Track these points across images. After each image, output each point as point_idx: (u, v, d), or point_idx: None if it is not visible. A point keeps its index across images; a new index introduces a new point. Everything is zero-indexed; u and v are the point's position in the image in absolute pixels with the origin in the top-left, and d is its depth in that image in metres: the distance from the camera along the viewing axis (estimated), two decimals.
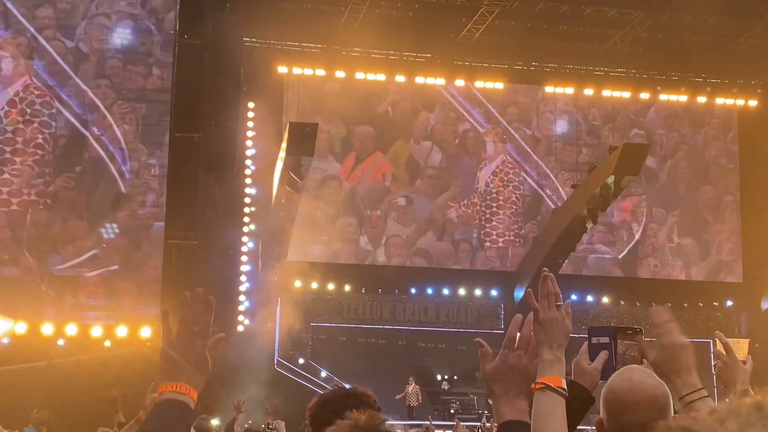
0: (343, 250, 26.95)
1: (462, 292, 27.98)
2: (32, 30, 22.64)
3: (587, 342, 2.97)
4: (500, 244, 28.02)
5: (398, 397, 23.89)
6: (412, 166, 27.76)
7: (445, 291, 27.86)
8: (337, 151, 27.32)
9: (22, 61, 22.53)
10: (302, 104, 26.89)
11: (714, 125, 29.48)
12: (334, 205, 26.99)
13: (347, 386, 3.32)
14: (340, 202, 27.04)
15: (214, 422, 15.06)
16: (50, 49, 22.69)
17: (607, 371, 2.91)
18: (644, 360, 2.96)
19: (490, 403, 2.69)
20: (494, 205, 28.07)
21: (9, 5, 22.61)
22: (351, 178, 27.29)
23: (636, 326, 3.03)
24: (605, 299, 28.54)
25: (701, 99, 29.80)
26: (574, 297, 28.05)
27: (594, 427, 2.77)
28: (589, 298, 28.48)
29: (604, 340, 2.96)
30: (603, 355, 2.93)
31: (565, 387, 2.62)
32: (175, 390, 2.23)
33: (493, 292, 28.11)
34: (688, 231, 28.77)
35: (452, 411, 25.11)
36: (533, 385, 2.64)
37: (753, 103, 29.99)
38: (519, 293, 27.28)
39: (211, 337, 2.27)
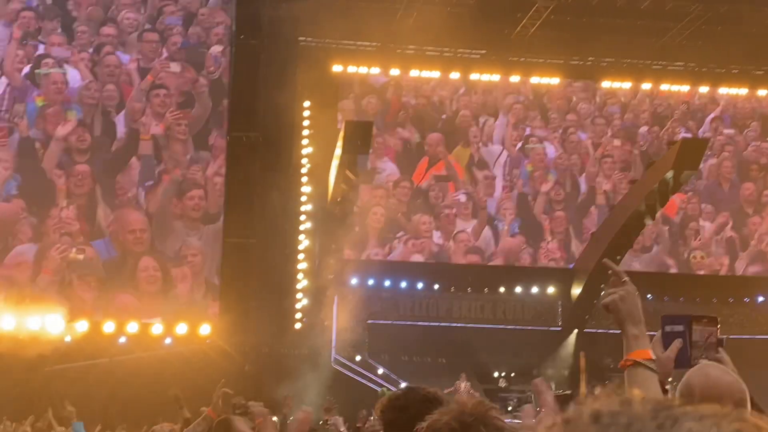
0: (417, 248, 27.34)
1: (519, 289, 27.86)
2: (96, 46, 23.82)
3: (660, 330, 2.89)
4: (558, 243, 27.97)
5: (447, 391, 23.88)
6: (477, 168, 28.01)
7: (502, 288, 27.75)
8: (412, 155, 27.92)
9: (87, 74, 23.46)
10: (369, 110, 27.44)
11: (754, 126, 29.29)
12: (405, 204, 27.35)
13: (415, 386, 3.19)
14: (411, 202, 27.44)
15: (272, 419, 15.24)
16: (109, 63, 23.67)
17: (681, 360, 2.82)
18: (720, 348, 2.89)
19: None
20: (552, 204, 28.08)
21: (75, 24, 23.70)
22: (424, 180, 27.71)
23: (711, 314, 2.95)
24: (666, 297, 28.19)
25: (762, 92, 29.33)
26: None
27: None
28: (649, 296, 28.14)
29: (678, 328, 2.88)
30: (677, 344, 2.84)
31: (654, 359, 2.56)
32: None
33: (551, 289, 27.94)
34: (731, 225, 28.61)
35: (509, 408, 25.03)
36: (622, 362, 2.59)
37: None
38: (576, 290, 27.10)
39: None
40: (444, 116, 28.19)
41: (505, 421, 1.97)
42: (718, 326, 2.89)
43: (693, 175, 23.90)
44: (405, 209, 27.47)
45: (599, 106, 28.98)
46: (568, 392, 26.19)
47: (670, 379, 2.83)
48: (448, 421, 1.94)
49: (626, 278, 2.67)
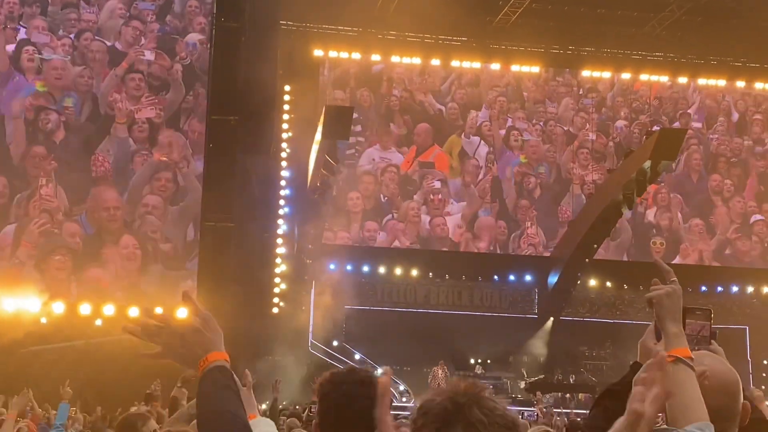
0: (400, 233, 27.59)
1: (496, 277, 27.98)
2: (76, 31, 23.90)
3: (654, 321, 2.91)
4: (536, 231, 28.16)
5: (429, 379, 24.03)
6: (464, 157, 28.29)
7: (480, 276, 27.85)
8: (401, 145, 28.20)
9: (67, 59, 23.63)
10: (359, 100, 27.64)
11: (722, 122, 29.80)
12: (391, 190, 27.57)
13: (358, 368, 3.25)
14: (397, 188, 27.66)
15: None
16: (89, 48, 23.75)
17: None
18: (713, 341, 2.91)
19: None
20: (531, 193, 28.28)
21: (54, 9, 23.77)
22: (410, 167, 28.16)
23: (705, 306, 2.97)
24: (641, 287, 28.38)
25: (740, 83, 29.52)
26: (608, 284, 28.02)
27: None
28: (625, 286, 28.36)
29: None
30: None
31: (693, 358, 2.59)
32: (222, 358, 2.53)
33: (528, 277, 28.07)
34: (697, 214, 29.13)
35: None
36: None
37: None
38: (553, 278, 27.23)
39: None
40: (439, 108, 28.43)
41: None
42: (711, 319, 2.90)
43: (670, 165, 24.05)
44: (391, 195, 27.65)
45: (577, 98, 29.19)
46: (542, 376, 26.39)
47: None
48: (442, 402, 1.93)
49: (674, 278, 2.70)
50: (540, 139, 28.76)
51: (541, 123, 28.88)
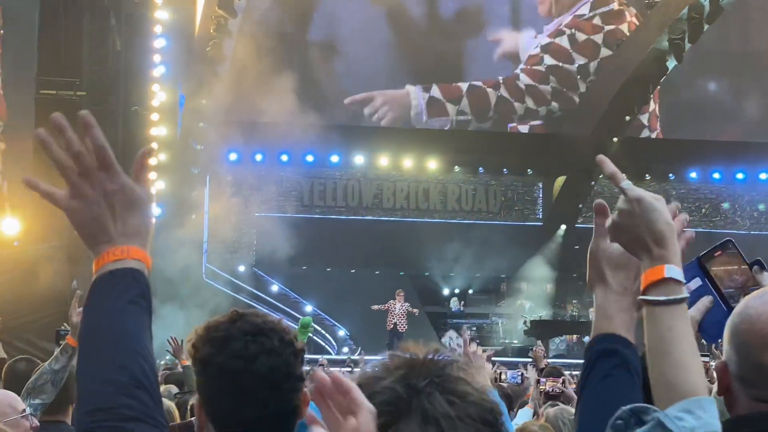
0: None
1: (481, 167, 28.08)
2: None
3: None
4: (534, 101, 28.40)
5: (375, 307, 24.23)
6: None
7: (456, 164, 27.92)
8: None
9: None
10: None
11: None
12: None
13: (248, 312, 3.08)
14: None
15: None
16: None
17: (712, 323, 2.79)
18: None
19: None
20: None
21: None
22: None
23: (724, 239, 2.90)
24: (694, 175, 28.75)
25: None
26: (647, 175, 28.38)
27: None
28: (671, 176, 28.72)
29: (696, 282, 2.83)
30: (705, 302, 2.82)
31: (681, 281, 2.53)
32: (141, 258, 2.33)
33: (528, 169, 28.28)
34: None
35: None
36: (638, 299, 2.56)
37: None
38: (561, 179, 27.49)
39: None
40: None
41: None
42: (744, 259, 2.86)
43: None
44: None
45: None
46: (548, 313, 26.76)
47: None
48: (392, 385, 1.90)
49: (626, 183, 2.57)
50: None
51: None
